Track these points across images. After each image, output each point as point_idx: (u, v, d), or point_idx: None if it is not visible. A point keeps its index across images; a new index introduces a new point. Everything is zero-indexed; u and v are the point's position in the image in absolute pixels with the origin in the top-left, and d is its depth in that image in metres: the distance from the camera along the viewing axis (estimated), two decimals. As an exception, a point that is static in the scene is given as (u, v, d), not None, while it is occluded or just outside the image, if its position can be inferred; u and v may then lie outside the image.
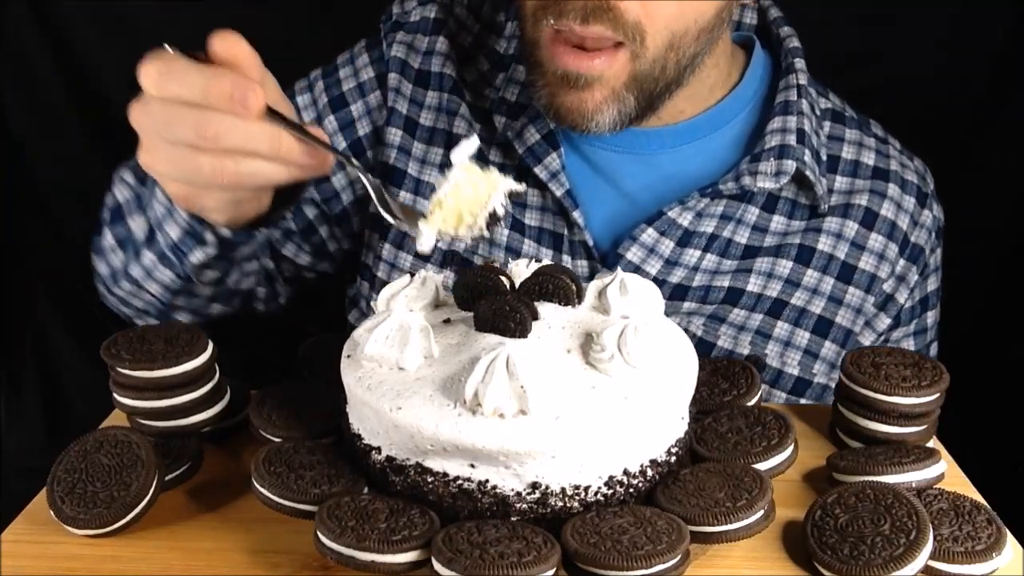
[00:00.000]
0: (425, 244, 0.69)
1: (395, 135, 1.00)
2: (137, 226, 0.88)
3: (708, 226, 0.94)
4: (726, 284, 0.94)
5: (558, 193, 0.94)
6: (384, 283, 0.98)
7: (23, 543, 0.62)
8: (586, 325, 0.63)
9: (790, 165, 0.92)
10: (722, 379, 0.74)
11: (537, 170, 0.94)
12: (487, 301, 0.63)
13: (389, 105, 1.00)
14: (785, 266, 0.95)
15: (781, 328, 0.95)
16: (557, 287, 0.66)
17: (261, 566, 0.59)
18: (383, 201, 0.70)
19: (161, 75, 0.63)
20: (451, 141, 0.98)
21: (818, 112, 0.97)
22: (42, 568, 0.60)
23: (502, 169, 0.94)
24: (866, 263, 0.96)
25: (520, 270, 0.70)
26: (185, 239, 0.79)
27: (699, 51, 0.87)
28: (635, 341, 0.59)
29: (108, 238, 0.91)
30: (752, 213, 0.95)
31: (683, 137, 0.95)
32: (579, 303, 0.66)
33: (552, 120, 0.90)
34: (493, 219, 0.69)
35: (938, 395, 0.69)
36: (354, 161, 0.71)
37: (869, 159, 0.98)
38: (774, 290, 0.95)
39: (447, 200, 0.68)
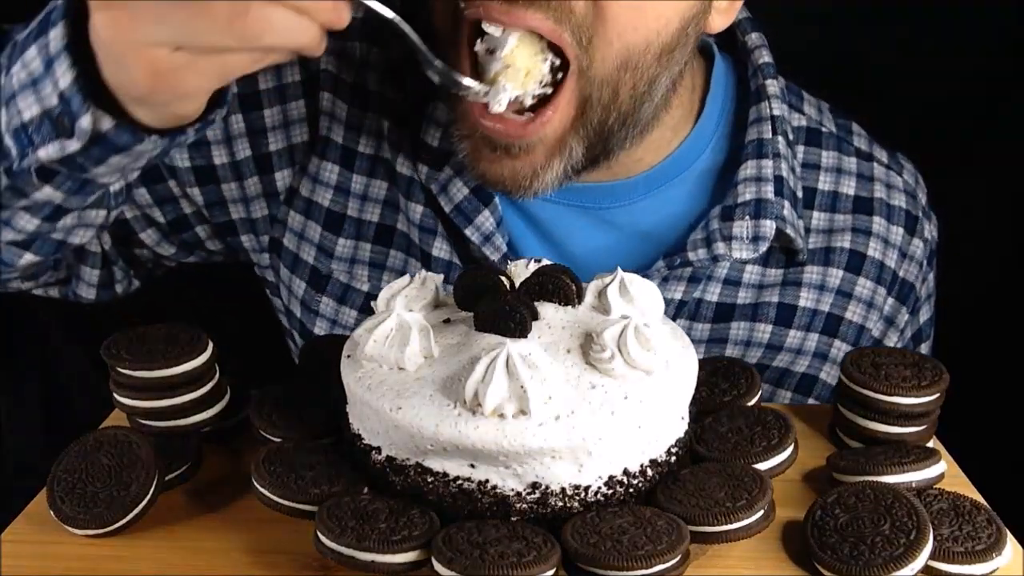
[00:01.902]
0: (503, 102, 0.68)
1: (331, 172, 0.86)
2: None
3: (675, 292, 0.84)
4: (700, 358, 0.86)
5: (494, 258, 0.83)
6: None
7: (23, 543, 0.62)
8: (586, 325, 0.63)
9: (769, 228, 0.80)
10: (722, 379, 0.74)
11: (468, 232, 0.82)
12: (487, 301, 0.63)
13: (322, 135, 0.86)
14: (764, 331, 0.85)
15: (762, 389, 0.84)
16: (557, 287, 0.66)
17: (261, 566, 0.59)
18: (426, 61, 0.65)
19: None
20: (396, 179, 0.85)
21: (791, 136, 0.86)
22: (42, 568, 0.60)
23: (442, 222, 0.84)
24: (853, 313, 0.87)
25: (520, 270, 0.70)
26: (43, 124, 0.60)
27: (658, 77, 0.74)
28: (635, 341, 0.59)
29: None
30: (723, 266, 0.84)
31: (639, 190, 0.84)
32: (579, 303, 0.66)
33: (484, 185, 0.78)
34: (552, 69, 0.70)
35: (938, 395, 0.68)
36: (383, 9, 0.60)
37: (849, 188, 0.87)
38: (753, 357, 0.86)
39: (516, 57, 0.68)
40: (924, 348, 0.97)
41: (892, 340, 0.91)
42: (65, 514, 0.61)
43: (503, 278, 0.66)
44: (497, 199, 0.83)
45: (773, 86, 0.85)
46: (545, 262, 0.70)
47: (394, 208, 0.87)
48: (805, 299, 0.85)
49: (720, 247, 0.80)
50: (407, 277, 0.69)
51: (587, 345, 0.61)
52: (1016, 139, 1.27)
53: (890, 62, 1.24)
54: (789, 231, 0.83)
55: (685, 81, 0.82)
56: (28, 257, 0.75)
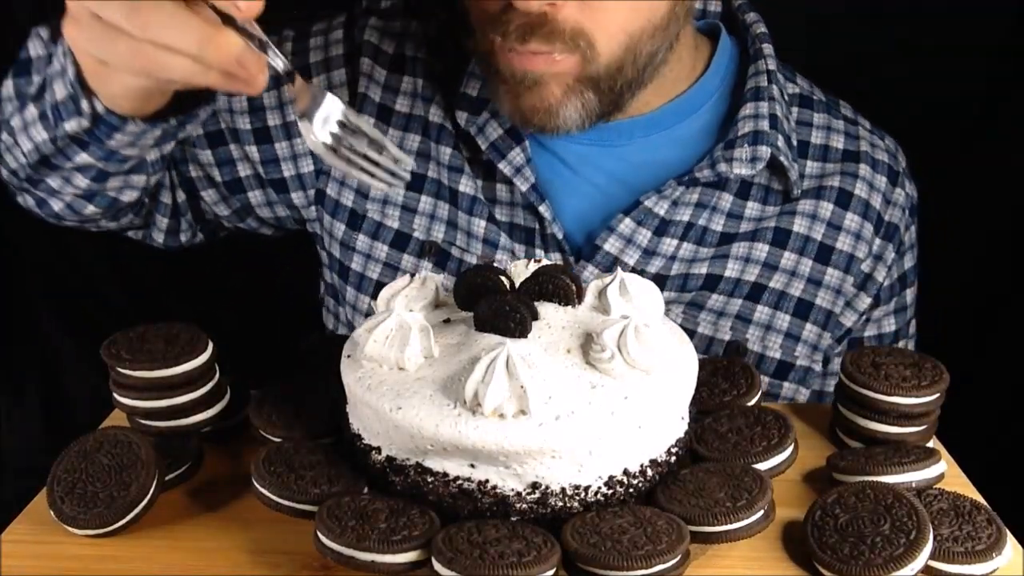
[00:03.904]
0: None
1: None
2: (36, 80, 0.83)
3: (684, 215, 0.94)
4: (704, 271, 0.95)
5: (523, 188, 0.93)
6: (360, 275, 1.00)
7: (23, 543, 0.62)
8: (586, 325, 0.63)
9: (764, 151, 0.92)
10: (722, 379, 0.74)
11: (501, 165, 0.94)
12: (487, 301, 0.63)
13: (361, 92, 0.99)
14: (762, 250, 0.95)
15: (761, 312, 0.95)
16: (557, 287, 0.66)
17: (261, 566, 0.60)
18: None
19: None
20: (428, 129, 0.97)
21: (786, 97, 0.98)
22: (42, 568, 0.60)
23: (470, 164, 0.96)
24: (843, 243, 0.96)
25: (520, 270, 0.70)
26: (67, 101, 0.76)
27: (657, 48, 0.86)
28: (635, 341, 0.59)
29: (8, 87, 0.87)
30: (726, 200, 0.95)
31: (651, 127, 0.95)
32: (579, 303, 0.66)
33: (520, 125, 0.90)
34: None
35: (938, 395, 0.69)
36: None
37: (838, 143, 0.98)
38: (752, 274, 0.95)
39: None
40: (910, 294, 1.03)
41: (881, 275, 0.98)
42: (65, 514, 0.61)
43: (503, 278, 0.66)
44: (527, 140, 0.94)
45: (768, 48, 0.96)
46: (545, 262, 0.71)
47: (425, 158, 0.98)
48: (799, 225, 0.96)
49: (723, 166, 0.92)
50: (407, 277, 0.69)
51: (587, 345, 0.61)
52: (1016, 139, 1.27)
53: (890, 62, 1.25)
54: (782, 159, 0.93)
55: (686, 41, 0.93)
56: (91, 208, 0.90)
